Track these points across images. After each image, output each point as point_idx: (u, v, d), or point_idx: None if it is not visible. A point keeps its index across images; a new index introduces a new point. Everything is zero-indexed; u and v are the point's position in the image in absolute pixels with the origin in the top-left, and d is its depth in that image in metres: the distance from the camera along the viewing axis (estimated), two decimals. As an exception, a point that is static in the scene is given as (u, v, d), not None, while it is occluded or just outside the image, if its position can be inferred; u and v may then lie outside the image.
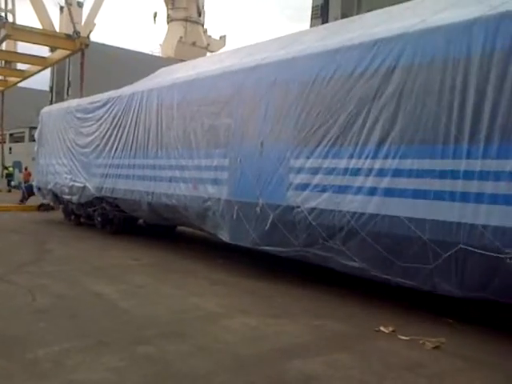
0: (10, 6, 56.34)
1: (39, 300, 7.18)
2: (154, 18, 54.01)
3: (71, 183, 14.82)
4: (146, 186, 11.87)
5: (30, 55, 24.44)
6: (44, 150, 16.90)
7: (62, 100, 40.24)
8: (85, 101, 14.81)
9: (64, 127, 15.56)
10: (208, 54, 50.31)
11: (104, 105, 13.67)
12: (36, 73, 26.17)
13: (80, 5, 43.03)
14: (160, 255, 11.34)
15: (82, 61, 22.76)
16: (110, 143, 13.29)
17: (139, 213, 12.59)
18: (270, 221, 8.70)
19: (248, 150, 9.31)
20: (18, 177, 38.27)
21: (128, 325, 6.17)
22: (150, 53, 48.75)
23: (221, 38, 52.94)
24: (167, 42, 50.74)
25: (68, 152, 15.21)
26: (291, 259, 8.69)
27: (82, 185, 14.34)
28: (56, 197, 16.47)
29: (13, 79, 28.82)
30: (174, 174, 11.08)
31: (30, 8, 32.84)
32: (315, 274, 9.01)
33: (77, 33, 22.29)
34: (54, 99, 41.61)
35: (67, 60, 29.70)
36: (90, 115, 14.24)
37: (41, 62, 24.82)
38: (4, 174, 29.91)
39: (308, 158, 8.18)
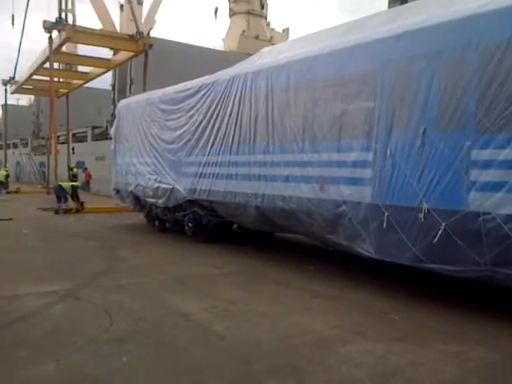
0: (69, 6, 56.12)
1: (117, 323, 6.22)
2: (215, 13, 52.48)
3: (156, 185, 13.12)
4: (254, 187, 9.97)
5: (92, 57, 23.16)
6: (122, 147, 15.28)
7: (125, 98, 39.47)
8: (170, 90, 13.06)
9: (145, 121, 13.88)
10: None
11: (195, 93, 11.88)
12: (100, 75, 24.95)
13: (140, 2, 42.16)
14: (243, 262, 10.21)
15: (145, 62, 21.30)
16: (204, 137, 11.48)
17: (242, 218, 10.71)
18: (440, 231, 6.67)
19: (402, 140, 7.27)
20: (82, 177, 37.48)
21: (228, 356, 5.26)
22: (213, 47, 47.32)
23: (284, 30, 50.97)
24: (230, 36, 49.20)
25: (151, 149, 13.52)
26: (397, 266, 7.65)
27: (169, 186, 12.61)
28: (137, 200, 14.83)
29: (76, 81, 27.71)
30: (291, 171, 9.13)
31: (90, 7, 31.91)
32: (430, 283, 8.11)
33: (140, 33, 20.73)
34: (116, 97, 40.79)
35: (129, 57, 28.42)
36: (178, 106, 12.48)
37: (104, 65, 23.55)
38: (70, 175, 28.88)
39: (503, 147, 6.08)
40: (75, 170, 35.80)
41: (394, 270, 8.25)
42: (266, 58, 10.38)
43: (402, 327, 6.24)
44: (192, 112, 11.91)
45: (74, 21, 53.77)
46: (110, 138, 37.92)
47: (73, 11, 54.00)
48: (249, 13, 48.31)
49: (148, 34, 34.39)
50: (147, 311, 6.77)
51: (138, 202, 14.92)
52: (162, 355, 5.24)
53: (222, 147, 10.89)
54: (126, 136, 15.00)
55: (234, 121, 10.56)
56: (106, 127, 40.47)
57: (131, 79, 38.78)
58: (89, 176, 36.40)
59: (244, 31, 47.79)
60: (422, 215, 6.91)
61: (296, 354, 5.31)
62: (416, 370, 4.93)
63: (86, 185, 35.57)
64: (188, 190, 11.95)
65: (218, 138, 11.03)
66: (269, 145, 9.68)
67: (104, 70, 23.85)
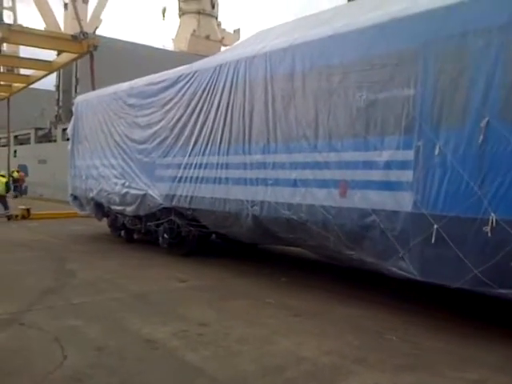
0: (9, 4, 52.08)
1: (72, 357, 5.07)
2: (163, 13, 50.40)
3: (124, 190, 11.10)
4: (250, 193, 8.21)
5: (33, 59, 20.75)
6: (82, 148, 13.06)
7: (70, 99, 36.68)
8: (140, 82, 11.07)
9: (110, 118, 11.81)
10: (222, 48, 46.85)
11: (172, 85, 9.98)
12: (42, 78, 22.46)
13: (85, 0, 39.38)
14: (209, 274, 9.06)
15: (91, 64, 19.12)
16: (184, 136, 9.61)
17: (234, 229, 8.89)
18: (516, 250, 5.18)
19: (456, 136, 5.74)
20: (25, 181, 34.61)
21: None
22: (163, 47, 45.10)
23: (235, 31, 49.17)
24: (180, 36, 47.01)
25: (118, 150, 11.48)
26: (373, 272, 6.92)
27: (141, 192, 10.63)
28: (99, 207, 12.72)
29: (18, 85, 25.06)
30: (301, 174, 7.45)
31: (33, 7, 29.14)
32: (425, 294, 7.29)
33: (84, 33, 18.47)
34: (60, 98, 38.02)
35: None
36: (151, 100, 10.54)
37: (46, 67, 21.14)
38: (8, 182, 25.52)
39: None
40: (15, 174, 32.74)
41: (379, 280, 7.48)
42: (261, 42, 8.63)
43: (404, 350, 5.34)
44: (168, 106, 10.01)
45: (14, 20, 49.90)
46: (54, 141, 35.73)
47: (13, 9, 50.26)
48: (199, 12, 46.25)
49: (94, 32, 31.85)
50: (106, 339, 5.61)
51: (100, 210, 12.80)
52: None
53: (208, 147, 9.05)
54: (86, 135, 12.83)
55: (223, 116, 8.75)
56: (50, 129, 37.69)
57: (77, 79, 36.24)
58: (22, 179, 33.60)
59: (194, 31, 45.74)
60: (488, 228, 5.40)
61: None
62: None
63: (18, 188, 32.83)
64: (164, 196, 10.03)
65: (202, 137, 9.19)
66: (269, 143, 7.95)
67: (46, 72, 21.34)
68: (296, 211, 7.48)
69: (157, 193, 10.22)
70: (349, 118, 6.84)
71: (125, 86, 11.58)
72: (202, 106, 9.21)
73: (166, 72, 10.47)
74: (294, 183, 7.53)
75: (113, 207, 11.74)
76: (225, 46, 46.48)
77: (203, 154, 9.15)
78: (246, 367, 4.85)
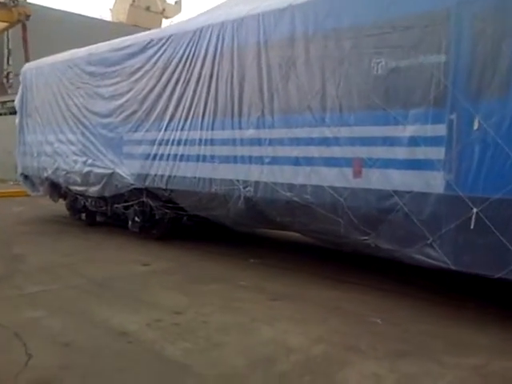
0: None
1: (38, 356, 4.33)
2: (98, -20, 47.14)
3: (87, 169, 9.69)
4: (242, 173, 7.17)
5: None
6: (32, 122, 11.36)
7: (2, 72, 33.61)
8: (101, 48, 9.60)
9: (66, 88, 10.26)
10: (164, 20, 44.63)
11: (141, 51, 8.64)
12: None
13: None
14: (172, 256, 8.29)
15: (23, 35, 17.14)
16: (158, 109, 8.35)
17: (220, 212, 7.81)
18: None
19: (500, 108, 4.93)
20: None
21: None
22: (100, 18, 42.21)
23: (176, 2, 46.60)
24: (118, 6, 43.96)
25: (76, 124, 10.00)
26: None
27: (107, 171, 9.28)
28: (55, 188, 11.22)
29: None
30: (304, 151, 6.48)
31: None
32: (406, 273, 6.64)
33: (14, 0, 16.36)
34: (-9, 70, 34.79)
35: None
36: (115, 68, 9.14)
37: None
38: None
39: None
40: None
41: (355, 261, 7.26)
42: (250, 1, 7.47)
43: (393, 335, 4.91)
44: (137, 76, 8.68)
45: None
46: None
47: None
48: (139, -18, 43.46)
49: (25, 0, 29.06)
50: (73, 333, 4.88)
51: (57, 191, 11.30)
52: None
53: (188, 121, 7.87)
54: (37, 108, 11.16)
55: (206, 87, 7.58)
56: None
57: (9, 50, 33.21)
58: None
59: (134, 1, 42.88)
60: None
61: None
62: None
63: None
64: (136, 175, 8.77)
65: (180, 110, 7.98)
66: (264, 116, 6.90)
67: None
68: (299, 193, 6.52)
69: (126, 172, 8.94)
70: (364, 88, 5.90)
71: (82, 52, 10.07)
72: (180, 76, 7.98)
73: (131, 36, 9.12)
74: (296, 161, 6.55)
75: (72, 188, 10.32)
76: (166, 18, 44.22)
77: (182, 129, 7.97)
78: (233, 361, 4.30)
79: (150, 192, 8.86)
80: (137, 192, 9.02)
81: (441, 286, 6.34)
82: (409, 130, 5.54)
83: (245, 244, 9.39)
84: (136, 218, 9.23)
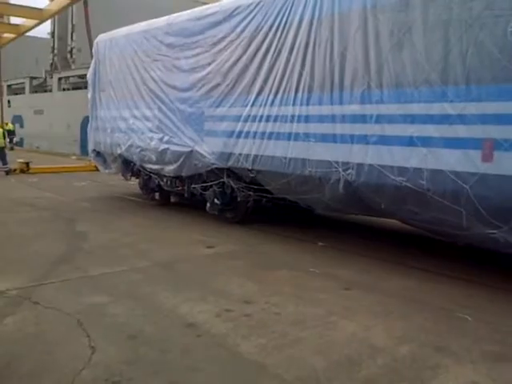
0: None
1: (102, 349, 3.90)
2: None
3: (163, 146, 9.19)
4: (342, 154, 6.42)
5: (23, 6, 18.12)
6: (106, 96, 10.95)
7: (66, 47, 33.76)
8: (180, 17, 8.98)
9: (142, 61, 9.74)
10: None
11: (226, 19, 7.96)
12: (33, 27, 19.81)
13: None
14: (234, 237, 7.88)
15: (85, 12, 16.70)
16: (244, 82, 7.71)
17: (311, 196, 7.13)
18: None
19: None
20: (20, 133, 32.15)
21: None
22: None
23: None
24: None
25: (153, 99, 9.48)
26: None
27: (185, 149, 8.73)
28: (128, 166, 10.83)
29: (8, 35, 22.29)
30: (421, 130, 5.68)
31: None
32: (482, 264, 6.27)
33: None
34: (56, 46, 35.03)
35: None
36: (196, 38, 8.51)
37: (37, 15, 18.48)
38: (4, 133, 22.40)
39: None
40: (10, 125, 30.08)
41: (428, 247, 6.96)
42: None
43: (487, 335, 4.35)
44: (221, 46, 8.03)
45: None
46: (50, 90, 33.06)
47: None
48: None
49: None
50: (139, 323, 4.49)
51: (129, 169, 10.91)
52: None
53: (279, 95, 7.17)
54: (111, 82, 10.72)
55: (301, 58, 6.85)
56: (45, 78, 35.00)
57: (73, 26, 33.28)
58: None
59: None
60: None
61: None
62: None
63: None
64: (218, 154, 8.17)
65: (270, 83, 7.30)
66: (370, 90, 6.11)
67: (37, 21, 18.71)
68: (413, 177, 5.74)
69: (207, 150, 8.36)
70: (497, 57, 5.00)
71: (159, 22, 9.48)
72: (270, 46, 7.28)
73: (213, 4, 8.42)
74: (410, 141, 5.75)
75: (147, 166, 9.86)
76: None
77: (272, 105, 7.28)
78: (312, 362, 3.82)
79: (232, 172, 8.27)
80: (217, 172, 8.44)
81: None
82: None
83: (312, 226, 8.89)
84: (216, 200, 8.66)
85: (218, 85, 8.10)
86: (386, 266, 6.39)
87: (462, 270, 6.16)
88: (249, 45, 7.57)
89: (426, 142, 5.63)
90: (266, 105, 7.37)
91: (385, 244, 7.47)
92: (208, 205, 8.88)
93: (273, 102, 7.26)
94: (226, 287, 5.48)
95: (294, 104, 6.97)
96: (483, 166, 5.19)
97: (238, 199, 8.40)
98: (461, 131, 5.35)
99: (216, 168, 8.34)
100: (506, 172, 5.03)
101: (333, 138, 6.54)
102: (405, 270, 6.23)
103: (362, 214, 7.68)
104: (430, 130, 5.59)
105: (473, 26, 5.19)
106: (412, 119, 5.75)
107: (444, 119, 5.46)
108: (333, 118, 6.53)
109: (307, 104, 6.82)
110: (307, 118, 6.84)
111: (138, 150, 9.86)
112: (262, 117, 7.43)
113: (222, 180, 8.47)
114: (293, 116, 7.00)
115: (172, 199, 10.44)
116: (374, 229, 8.42)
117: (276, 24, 7.15)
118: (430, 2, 5.52)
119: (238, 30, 7.72)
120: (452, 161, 5.42)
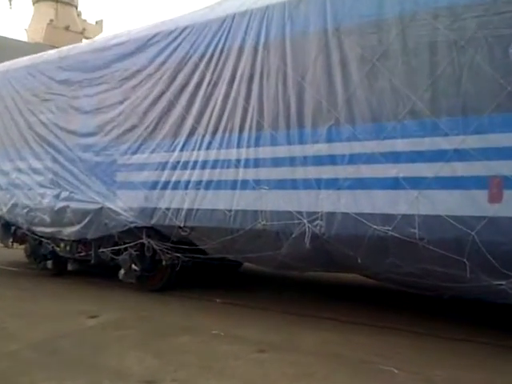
0: None
1: None
2: (10, 1, 43.22)
3: (61, 204, 7.30)
4: (307, 202, 5.29)
5: None
6: (-25, 147, 8.75)
7: None
8: (78, 48, 7.38)
9: (25, 102, 7.86)
10: (84, 40, 41.59)
11: (140, 49, 6.57)
12: None
13: None
14: (118, 302, 6.74)
15: None
16: (169, 121, 6.32)
17: (260, 255, 5.83)
18: None
19: None
20: None
21: None
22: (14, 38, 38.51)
23: (97, 22, 43.47)
24: (34, 26, 40.29)
25: (43, 146, 7.61)
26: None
27: (93, 206, 6.96)
28: (7, 229, 8.62)
29: None
30: (408, 169, 4.76)
31: None
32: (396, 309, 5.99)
33: None
34: None
35: None
36: (101, 73, 6.95)
37: None
38: None
39: None
40: None
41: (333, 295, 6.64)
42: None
43: None
44: (136, 81, 6.59)
45: None
46: None
47: None
48: (57, 1, 40.23)
49: None
50: None
51: (10, 233, 8.69)
52: None
53: (218, 136, 5.89)
54: (-18, 128, 8.58)
55: (245, 90, 5.69)
56: None
57: None
58: None
59: (52, 21, 39.62)
60: None
61: None
62: None
63: None
64: (138, 210, 6.58)
65: (205, 122, 6.00)
66: (339, 125, 5.10)
67: None
68: (401, 226, 4.76)
69: (122, 206, 6.72)
70: (499, 83, 4.29)
71: (48, 55, 7.75)
72: (202, 78, 6.03)
73: (122, 32, 6.97)
74: (396, 183, 4.80)
75: (38, 229, 7.83)
76: (86, 38, 41.20)
77: (209, 148, 5.97)
78: None
79: (154, 231, 6.70)
80: (135, 232, 6.80)
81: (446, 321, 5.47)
82: None
83: (204, 280, 7.93)
84: (133, 266, 6.97)
85: (134, 127, 6.61)
86: (295, 319, 5.72)
87: (378, 317, 5.63)
88: (174, 78, 6.23)
89: (416, 183, 4.70)
90: (200, 148, 6.03)
91: (287, 295, 6.90)
92: (122, 272, 7.14)
93: (210, 144, 5.96)
94: (122, 365, 4.39)
95: (238, 146, 5.74)
96: (491, 207, 4.36)
97: (163, 263, 6.82)
98: (460, 169, 4.51)
99: (135, 227, 6.72)
100: (521, 214, 4.25)
101: (293, 184, 5.39)
102: (315, 322, 5.62)
103: (326, 270, 6.55)
104: (421, 170, 4.69)
105: (466, 48, 4.45)
106: (396, 157, 4.82)
107: (438, 156, 4.60)
108: (291, 161, 5.40)
109: (256, 145, 5.62)
110: (257, 162, 5.63)
111: (25, 210, 7.82)
112: (195, 163, 6.06)
113: (140, 241, 6.84)
114: (238, 160, 5.74)
115: (70, 267, 8.44)
116: (275, 280, 7.71)
117: (209, 52, 5.94)
118: (409, 22, 4.71)
119: (158, 61, 6.37)
120: (451, 204, 4.54)
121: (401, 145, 4.79)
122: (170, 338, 5.13)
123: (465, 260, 4.53)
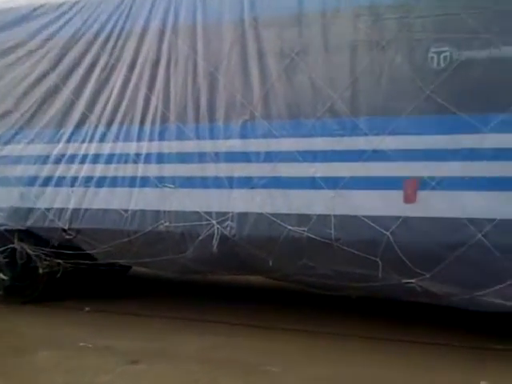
0: None
1: None
2: None
3: None
4: (217, 202, 4.92)
5: None
6: None
7: None
8: None
9: None
10: None
11: (19, 23, 5.65)
12: None
13: None
14: None
15: None
16: (52, 108, 5.50)
17: (161, 259, 5.30)
18: None
19: None
20: None
21: None
22: None
23: None
24: None
25: None
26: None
27: None
28: None
29: None
30: (326, 169, 4.66)
31: None
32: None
33: None
34: None
35: None
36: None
37: None
38: None
39: None
40: None
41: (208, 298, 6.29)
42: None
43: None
44: (12, 58, 5.66)
45: None
46: None
47: None
48: None
49: None
50: None
51: None
52: None
53: (115, 127, 5.25)
54: None
55: (148, 77, 5.14)
56: None
57: None
58: None
59: None
60: None
61: None
62: None
63: None
64: (10, 211, 5.62)
65: (98, 110, 5.31)
66: (255, 121, 4.83)
67: None
68: (316, 226, 4.61)
69: (-11, 205, 5.69)
70: (419, 86, 4.36)
71: None
72: (96, 60, 5.33)
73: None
74: (313, 183, 4.65)
75: None
76: None
77: (102, 140, 5.30)
78: None
79: (28, 234, 5.78)
80: (6, 235, 5.80)
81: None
82: (492, 140, 4.19)
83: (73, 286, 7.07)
84: (2, 275, 5.93)
85: (8, 112, 5.65)
86: (179, 325, 5.28)
87: (262, 317, 5.44)
88: (60, 58, 5.44)
89: (333, 183, 4.59)
90: (92, 140, 5.32)
91: (169, 299, 6.38)
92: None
93: (104, 136, 5.28)
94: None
95: (139, 139, 5.16)
96: (406, 207, 4.41)
97: (40, 271, 5.90)
98: (378, 169, 4.49)
99: (5, 230, 5.73)
100: (434, 214, 4.34)
101: (202, 183, 4.98)
102: (202, 326, 5.24)
103: (234, 274, 6.15)
104: (339, 169, 4.59)
105: (386, 49, 4.46)
106: (314, 156, 4.67)
107: (356, 156, 4.53)
108: (201, 157, 4.98)
109: (160, 139, 5.10)
110: (161, 158, 5.11)
111: None
112: (85, 157, 5.33)
113: (11, 246, 5.85)
114: (138, 155, 5.16)
115: None
116: (148, 281, 7.21)
117: (106, 32, 5.27)
118: (331, 19, 4.61)
119: (42, 36, 5.52)
120: (368, 204, 4.51)
121: (319, 143, 4.66)
122: (28, 355, 4.49)
123: (378, 260, 4.53)
